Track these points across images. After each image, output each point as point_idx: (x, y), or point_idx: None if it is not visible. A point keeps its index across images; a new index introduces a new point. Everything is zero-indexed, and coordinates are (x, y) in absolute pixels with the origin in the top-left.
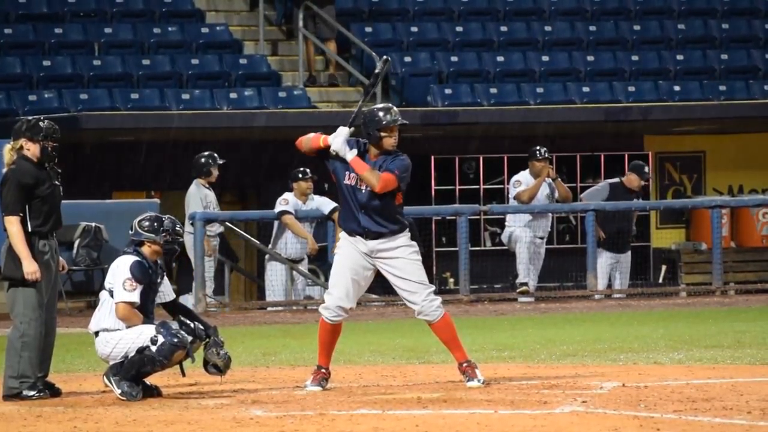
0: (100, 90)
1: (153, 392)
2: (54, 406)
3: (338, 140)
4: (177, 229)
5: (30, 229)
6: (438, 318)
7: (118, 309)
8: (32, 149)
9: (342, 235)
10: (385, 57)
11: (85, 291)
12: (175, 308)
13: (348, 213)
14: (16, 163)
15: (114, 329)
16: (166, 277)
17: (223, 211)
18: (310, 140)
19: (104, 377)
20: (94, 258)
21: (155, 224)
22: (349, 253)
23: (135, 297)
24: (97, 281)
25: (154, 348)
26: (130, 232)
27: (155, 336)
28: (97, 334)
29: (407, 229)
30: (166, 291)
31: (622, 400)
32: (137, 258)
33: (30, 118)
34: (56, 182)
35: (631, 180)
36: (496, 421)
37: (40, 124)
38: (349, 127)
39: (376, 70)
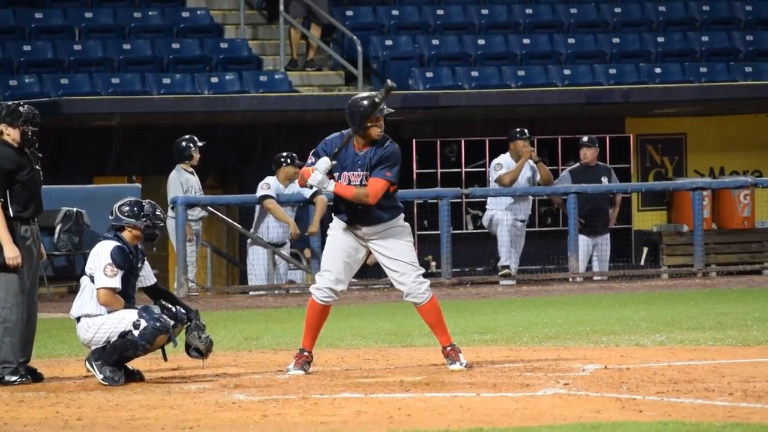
0: (81, 75)
1: (135, 377)
2: (36, 392)
3: (316, 177)
4: (157, 213)
5: (11, 215)
6: (426, 301)
7: (100, 295)
8: (12, 134)
9: (336, 217)
10: (390, 84)
11: (67, 276)
12: (155, 292)
13: (346, 209)
14: None
15: (95, 314)
16: (146, 262)
17: (205, 195)
18: (302, 175)
19: (86, 362)
20: (75, 243)
21: (135, 209)
22: (342, 235)
23: (116, 282)
24: (79, 266)
25: (136, 332)
26: (110, 217)
27: (137, 320)
28: (78, 319)
29: (401, 212)
30: (146, 275)
31: (605, 383)
32: (118, 243)
33: (9, 103)
34: (37, 167)
35: (586, 154)
36: (478, 404)
37: (20, 109)
38: (331, 159)
39: (377, 99)
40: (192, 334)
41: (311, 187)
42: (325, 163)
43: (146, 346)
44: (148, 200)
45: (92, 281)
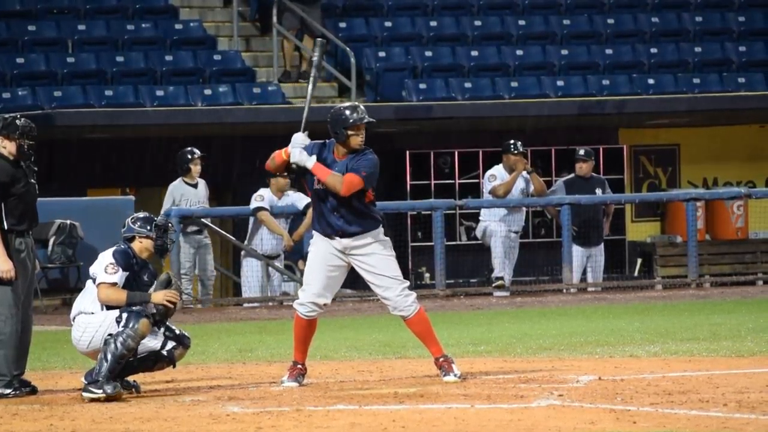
0: (74, 87)
1: (132, 388)
2: (30, 404)
3: (295, 151)
4: (169, 227)
5: (6, 227)
6: (413, 313)
7: (99, 291)
8: (8, 147)
9: (316, 231)
10: (319, 40)
11: (61, 288)
12: None
13: (320, 216)
14: None
15: (89, 312)
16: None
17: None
18: (274, 158)
19: (83, 393)
20: (69, 255)
21: (147, 221)
22: (323, 250)
23: (116, 279)
24: (73, 279)
25: (120, 326)
26: (122, 229)
27: (119, 316)
28: (74, 319)
29: (381, 225)
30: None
31: (599, 394)
32: (123, 247)
33: (6, 116)
34: (32, 180)
35: (582, 167)
36: (472, 415)
37: (17, 122)
38: (303, 132)
39: (313, 57)
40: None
41: (293, 165)
42: (300, 137)
43: (131, 333)
44: (161, 215)
45: (94, 283)
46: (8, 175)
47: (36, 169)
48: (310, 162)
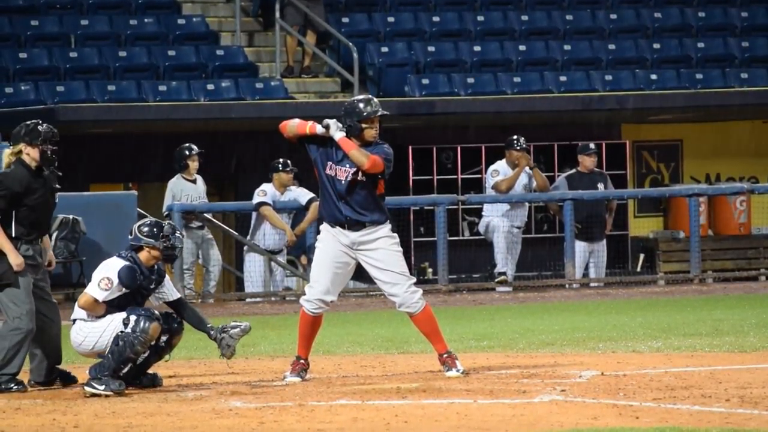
0: (77, 82)
1: (155, 381)
2: (33, 399)
3: (331, 122)
4: (177, 234)
5: (14, 235)
6: (419, 310)
7: (82, 298)
8: (32, 154)
9: (323, 227)
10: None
11: (63, 284)
12: (180, 307)
13: (329, 203)
14: (11, 169)
15: (87, 319)
16: (167, 279)
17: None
18: (295, 126)
19: (85, 387)
20: (71, 250)
21: (155, 230)
22: (331, 246)
23: (102, 297)
24: (75, 274)
25: (128, 329)
26: (129, 236)
27: (126, 318)
28: (74, 321)
29: (388, 221)
30: (168, 291)
31: (601, 389)
32: (128, 263)
33: (28, 122)
34: (56, 186)
35: (585, 163)
36: (475, 410)
37: (39, 128)
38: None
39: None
40: (222, 344)
41: (326, 127)
42: (333, 120)
43: (140, 337)
44: (168, 222)
45: None
46: (23, 185)
47: (60, 174)
48: (339, 134)
